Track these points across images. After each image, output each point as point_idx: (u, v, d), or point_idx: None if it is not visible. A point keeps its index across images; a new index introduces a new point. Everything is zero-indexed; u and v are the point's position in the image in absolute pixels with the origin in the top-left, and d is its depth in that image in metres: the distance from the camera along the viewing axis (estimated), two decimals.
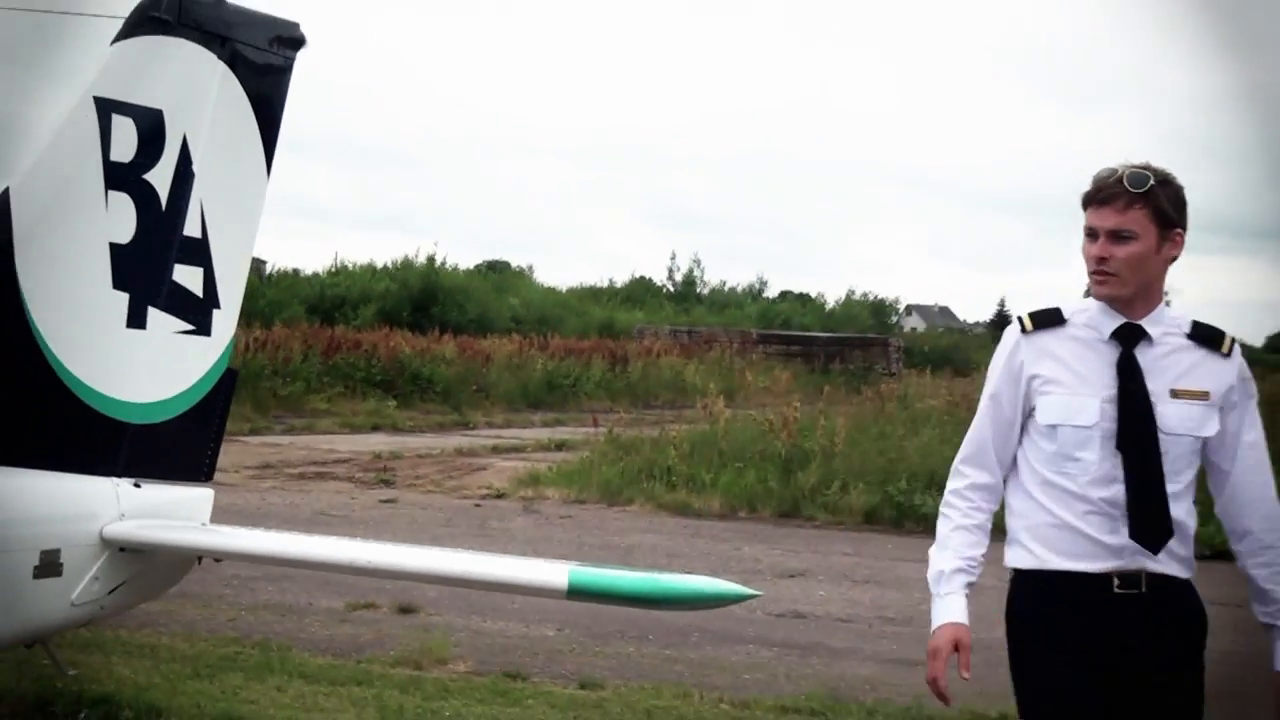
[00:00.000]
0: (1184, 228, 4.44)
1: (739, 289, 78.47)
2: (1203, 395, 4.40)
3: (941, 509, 4.85)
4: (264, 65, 6.06)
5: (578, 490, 20.76)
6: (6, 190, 5.36)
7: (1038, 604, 4.52)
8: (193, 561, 6.01)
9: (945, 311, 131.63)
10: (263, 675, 9.47)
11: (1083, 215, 4.46)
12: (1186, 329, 4.47)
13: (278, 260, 68.34)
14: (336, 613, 11.98)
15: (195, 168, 5.82)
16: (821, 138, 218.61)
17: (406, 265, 52.77)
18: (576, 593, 5.19)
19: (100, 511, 5.53)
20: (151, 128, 5.67)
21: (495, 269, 72.96)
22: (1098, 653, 4.35)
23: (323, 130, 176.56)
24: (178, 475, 5.93)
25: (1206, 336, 4.46)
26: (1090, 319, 4.49)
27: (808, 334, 58.78)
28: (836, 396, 30.34)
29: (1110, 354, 4.42)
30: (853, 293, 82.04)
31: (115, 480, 5.66)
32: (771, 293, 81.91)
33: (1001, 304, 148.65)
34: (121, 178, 5.59)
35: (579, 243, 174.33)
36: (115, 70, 5.63)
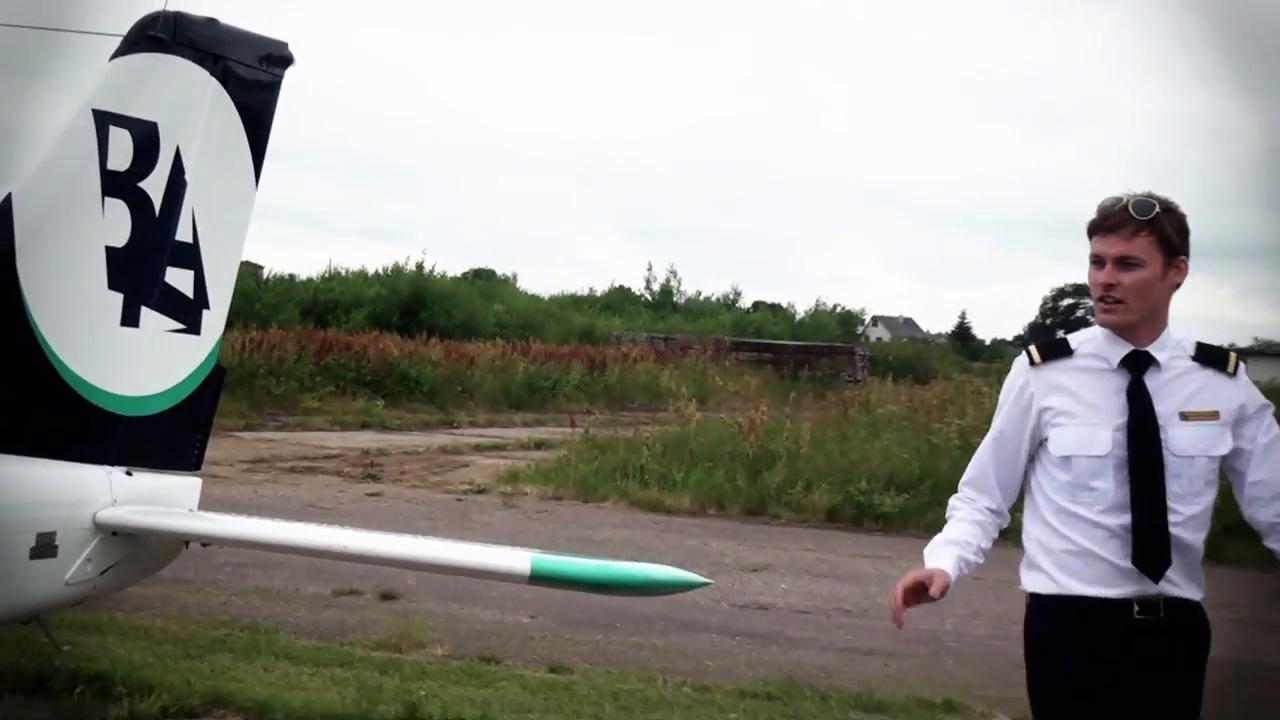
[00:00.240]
0: (1188, 254, 4.35)
1: (714, 299, 78.39)
2: (1213, 415, 4.31)
3: (947, 515, 4.83)
4: (253, 81, 6.08)
5: (555, 487, 20.80)
6: (9, 196, 5.38)
7: (1057, 628, 4.39)
8: (180, 545, 6.04)
9: (909, 323, 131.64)
10: (250, 656, 9.51)
11: (1087, 244, 4.40)
12: (1191, 351, 4.39)
13: (275, 265, 68.33)
14: (322, 598, 12.03)
15: (187, 177, 5.84)
16: (795, 157, 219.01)
17: (397, 272, 52.66)
18: (538, 578, 5.21)
19: (94, 497, 5.56)
20: (147, 139, 5.69)
21: (481, 276, 72.80)
22: (1117, 676, 4.25)
23: (320, 143, 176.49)
24: (168, 464, 5.93)
25: (1212, 357, 4.39)
26: (1098, 348, 4.41)
27: (778, 342, 58.77)
28: (803, 401, 30.40)
29: (1120, 382, 4.34)
30: (822, 304, 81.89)
31: (108, 469, 5.68)
32: (745, 303, 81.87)
33: (962, 316, 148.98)
34: (118, 185, 5.62)
35: (561, 253, 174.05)
36: (113, 84, 5.66)
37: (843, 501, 19.79)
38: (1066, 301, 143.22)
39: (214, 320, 6.16)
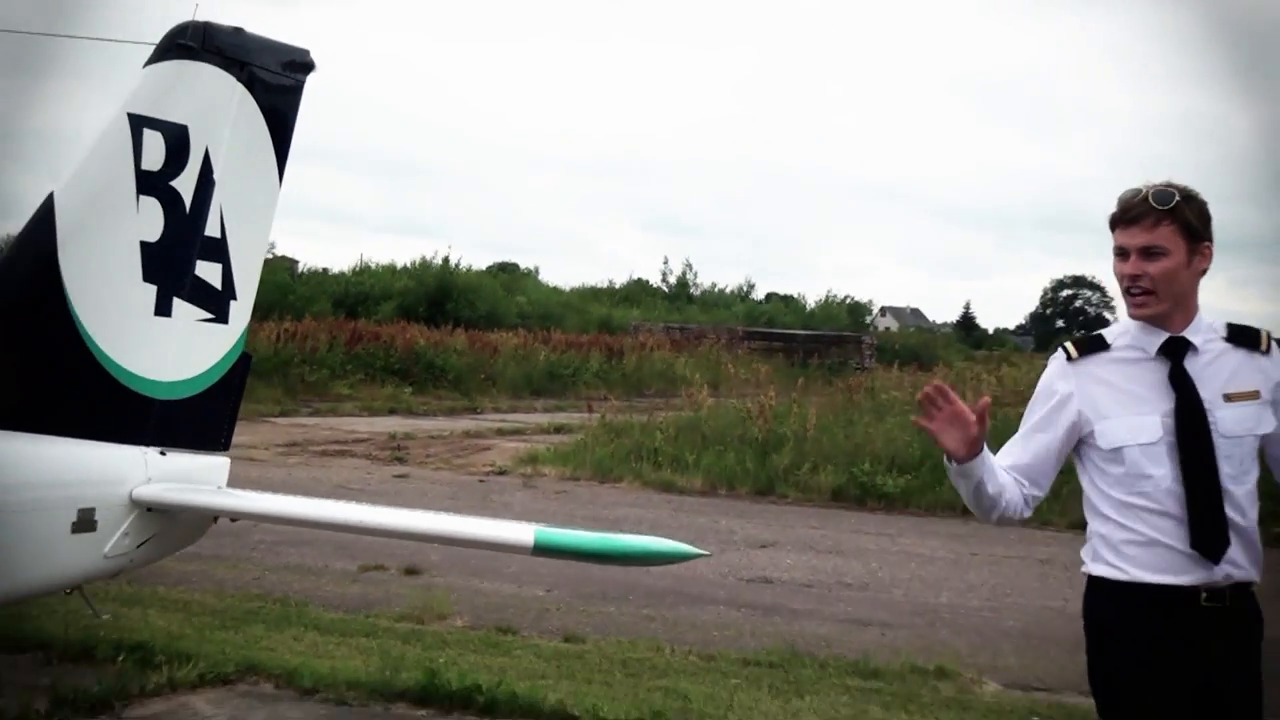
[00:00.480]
0: (1211, 240, 4.20)
1: (728, 290, 78.30)
2: (1254, 395, 4.15)
3: None
4: (277, 86, 6.13)
5: (573, 469, 20.89)
6: (51, 195, 5.44)
7: (1122, 612, 4.18)
8: (210, 520, 6.09)
9: (916, 313, 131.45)
10: (282, 627, 9.63)
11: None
12: (1224, 332, 4.24)
13: (309, 260, 68.44)
14: (349, 574, 12.14)
15: (216, 176, 5.89)
16: (805, 155, 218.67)
17: (424, 266, 52.59)
18: (542, 549, 5.26)
19: (130, 476, 5.63)
20: (178, 141, 5.75)
21: (505, 270, 72.87)
22: (1183, 662, 4.06)
23: (352, 144, 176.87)
24: (198, 445, 5.99)
25: (1245, 337, 4.23)
26: (1133, 340, 4.24)
27: (789, 331, 58.72)
28: (812, 388, 30.41)
29: (1161, 369, 4.17)
30: (832, 295, 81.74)
31: (143, 449, 5.75)
32: (758, 294, 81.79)
33: (967, 306, 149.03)
34: (151, 184, 5.67)
35: (581, 247, 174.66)
36: (146, 90, 5.72)
37: (847, 482, 19.83)
38: (1065, 293, 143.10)
39: (241, 310, 6.21)
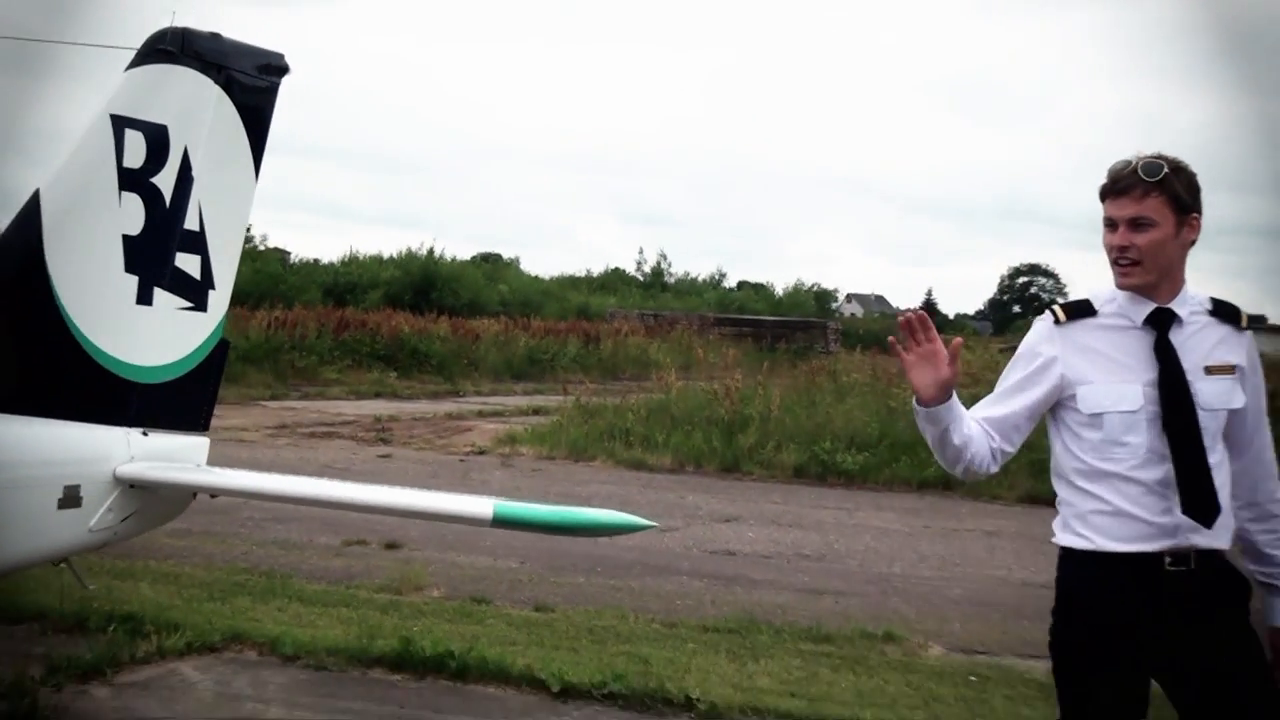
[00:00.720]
0: (1200, 212, 4.06)
1: (700, 279, 78.28)
2: (1230, 370, 4.04)
3: None
4: (253, 88, 6.15)
5: (549, 448, 20.95)
6: (38, 190, 5.46)
7: (1088, 580, 4.05)
8: (190, 497, 6.11)
9: (881, 299, 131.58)
10: (266, 598, 9.68)
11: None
12: (1208, 306, 4.11)
13: (300, 251, 68.29)
14: (332, 548, 12.20)
15: (194, 173, 5.91)
16: (776, 150, 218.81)
17: (410, 256, 52.51)
18: (500, 521, 5.31)
19: (114, 454, 5.66)
20: (158, 140, 5.78)
21: (488, 260, 72.73)
22: (1145, 631, 3.94)
23: (343, 139, 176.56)
24: (179, 426, 6.02)
25: (1226, 312, 4.12)
26: (1120, 307, 4.10)
27: (758, 318, 58.77)
28: (778, 371, 30.53)
29: (1146, 339, 4.03)
30: (800, 283, 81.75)
31: (126, 429, 5.78)
32: (729, 282, 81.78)
33: (929, 293, 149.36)
34: (132, 181, 5.70)
35: (562, 237, 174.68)
36: (128, 92, 5.74)
37: (809, 460, 19.93)
38: (1022, 280, 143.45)
39: (219, 299, 6.23)
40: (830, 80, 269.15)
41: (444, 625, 9.12)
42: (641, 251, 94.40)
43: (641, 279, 74.57)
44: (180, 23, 5.90)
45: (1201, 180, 4.06)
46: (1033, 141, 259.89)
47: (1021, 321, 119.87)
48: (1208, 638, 3.93)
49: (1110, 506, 3.99)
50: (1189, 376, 3.98)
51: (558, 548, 12.54)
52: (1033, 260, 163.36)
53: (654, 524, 5.83)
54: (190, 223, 6.01)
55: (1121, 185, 4.01)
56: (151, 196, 5.81)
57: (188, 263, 6.04)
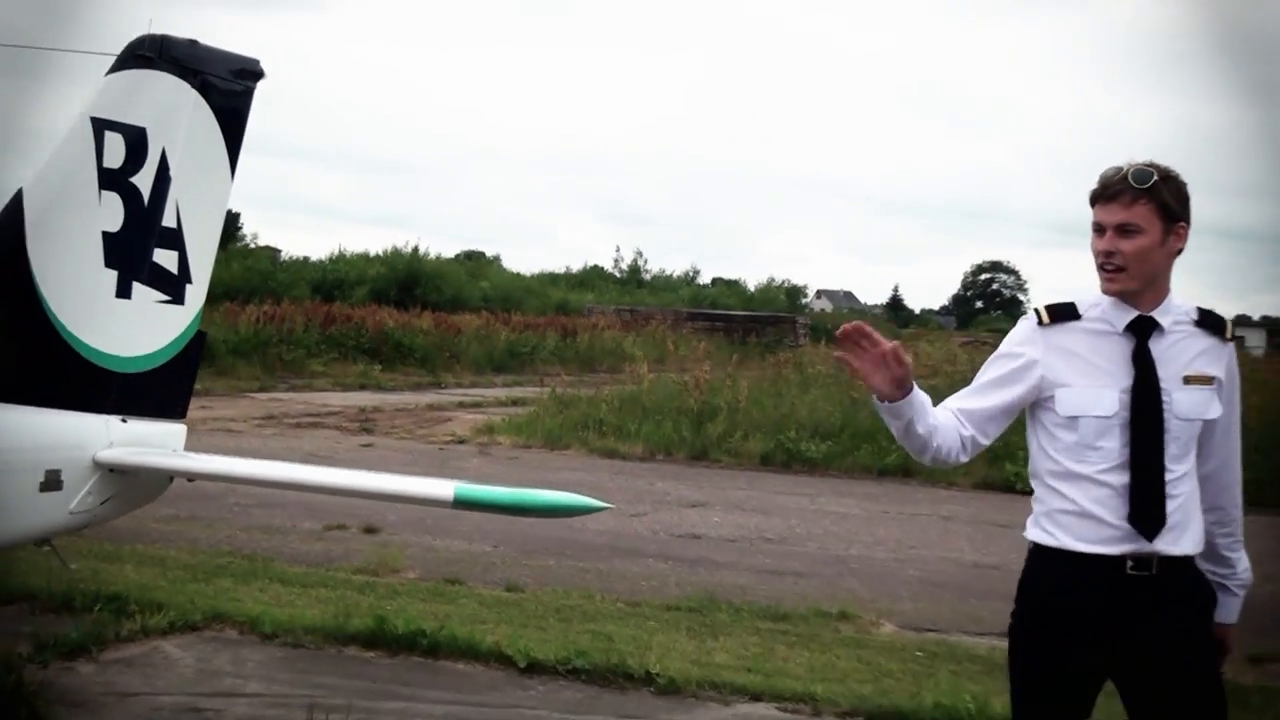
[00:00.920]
0: (1187, 221, 3.93)
1: (675, 275, 78.03)
2: (1210, 380, 3.92)
3: None
4: (228, 92, 6.17)
5: (525, 437, 21.00)
6: (20, 189, 5.51)
7: (1050, 577, 3.97)
8: (166, 480, 6.12)
9: (850, 295, 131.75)
10: (248, 580, 9.72)
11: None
12: (1194, 316, 3.97)
13: (290, 249, 68.18)
14: (314, 533, 12.24)
15: (172, 173, 5.94)
16: (749, 151, 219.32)
17: (395, 254, 52.27)
18: (461, 503, 5.35)
19: (93, 440, 5.69)
20: (137, 142, 5.80)
21: (471, 257, 72.65)
22: (1102, 629, 3.86)
23: (333, 143, 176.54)
24: (156, 413, 6.04)
25: (1211, 323, 3.97)
26: (1104, 313, 3.96)
27: (729, 313, 58.75)
28: (748, 363, 30.65)
29: (1126, 346, 3.91)
30: (772, 279, 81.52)
31: (106, 417, 5.80)
32: (703, 279, 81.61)
33: (895, 289, 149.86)
34: (112, 180, 5.73)
35: (543, 236, 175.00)
36: (108, 96, 5.78)
37: (774, 448, 20.05)
38: (984, 276, 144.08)
39: (196, 293, 6.25)
40: (801, 86, 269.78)
41: (418, 605, 9.15)
42: (619, 249, 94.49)
43: (619, 276, 74.35)
44: (165, 29, 5.94)
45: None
46: (995, 144, 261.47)
47: (984, 316, 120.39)
48: (1165, 644, 3.86)
49: (1077, 507, 3.90)
50: (1166, 385, 3.88)
51: (530, 532, 12.61)
52: (995, 258, 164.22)
53: (609, 505, 5.85)
54: (168, 220, 6.02)
55: (1111, 191, 3.89)
56: (130, 195, 5.83)
57: (166, 258, 6.06)
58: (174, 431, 6.11)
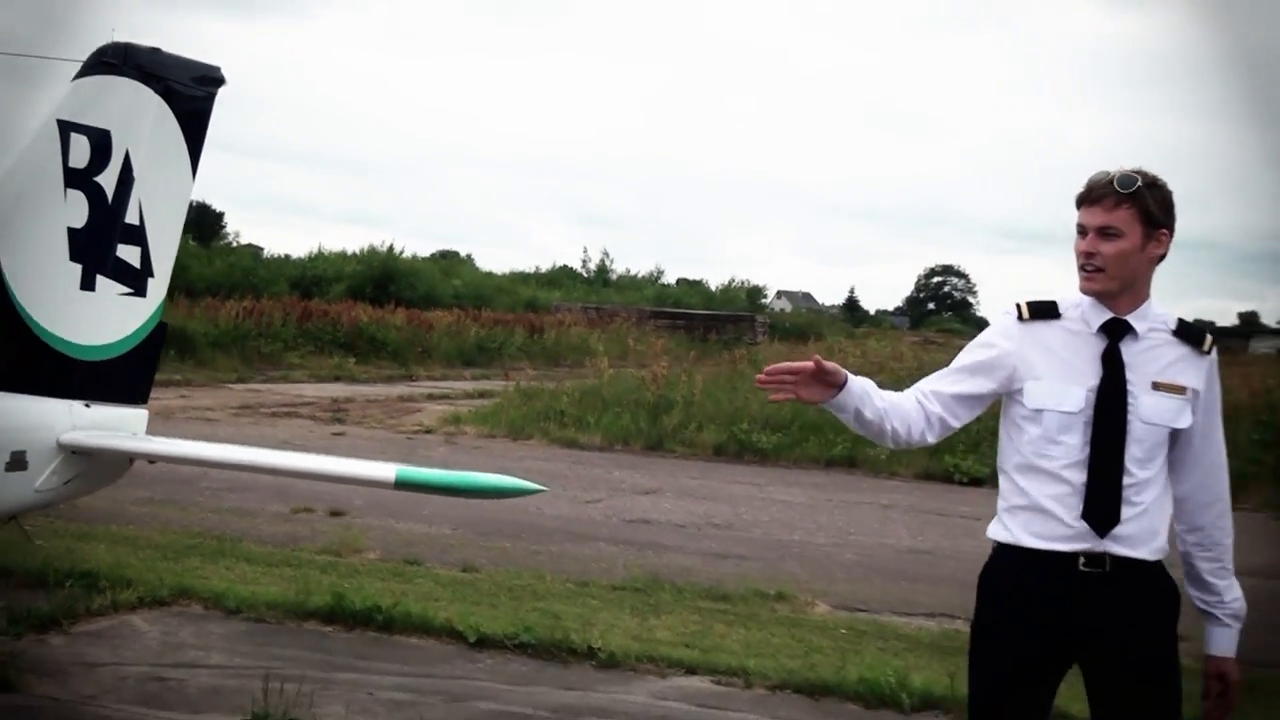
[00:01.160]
0: (1170, 229, 3.85)
1: (640, 275, 77.93)
2: (1180, 390, 3.80)
3: None
4: (190, 97, 6.23)
5: (490, 428, 21.00)
6: None
7: (1007, 576, 3.90)
8: (127, 462, 6.17)
9: (808, 296, 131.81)
10: (216, 559, 9.77)
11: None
12: (1172, 326, 3.87)
13: (271, 247, 67.89)
14: (282, 515, 12.27)
15: (135, 173, 5.99)
16: (712, 157, 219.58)
17: (371, 252, 52.13)
18: (403, 484, 5.40)
19: (58, 424, 5.74)
20: (101, 143, 5.85)
21: (445, 257, 72.47)
22: (1059, 625, 3.78)
23: (312, 144, 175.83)
24: (119, 398, 6.09)
25: (1190, 334, 3.87)
26: (1083, 313, 3.87)
27: (691, 311, 58.67)
28: (707, 360, 30.73)
29: (1098, 346, 3.83)
30: (733, 280, 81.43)
31: (70, 401, 5.85)
32: (668, 279, 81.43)
33: (852, 290, 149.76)
34: (78, 179, 5.78)
35: (515, 237, 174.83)
36: (74, 99, 5.83)
37: (727, 439, 20.11)
38: (936, 279, 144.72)
39: (158, 286, 6.30)
40: (763, 96, 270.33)
41: (376, 584, 9.19)
42: (586, 250, 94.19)
43: (586, 275, 74.17)
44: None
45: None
46: (947, 154, 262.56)
47: (936, 317, 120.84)
48: (1120, 645, 3.77)
49: (1034, 503, 3.83)
50: (1133, 388, 3.79)
51: (489, 516, 12.69)
52: (946, 262, 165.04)
53: (543, 488, 5.91)
54: (131, 217, 6.07)
55: (1096, 194, 3.81)
56: (95, 193, 5.88)
57: (129, 253, 6.11)
58: (136, 416, 6.17)
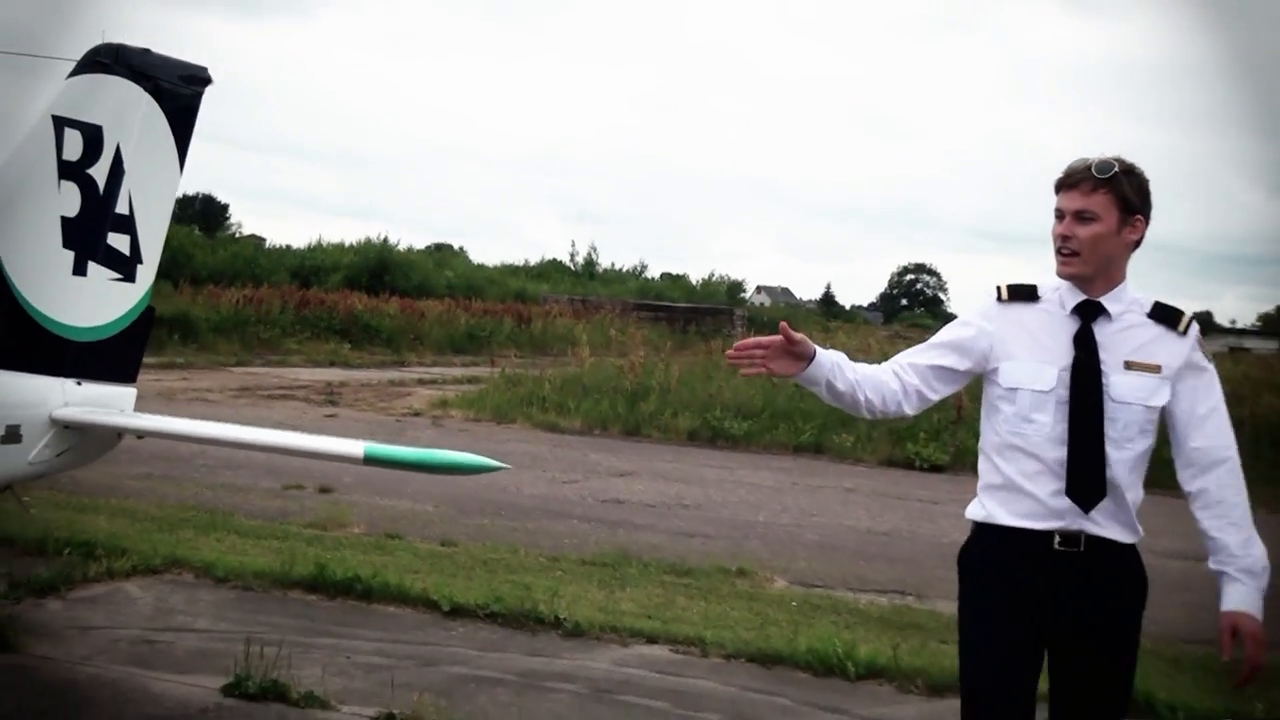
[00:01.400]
0: (1146, 215, 3.79)
1: (625, 269, 77.87)
2: (1155, 369, 3.72)
3: None
4: (178, 95, 6.29)
5: (475, 411, 21.11)
6: None
7: (985, 554, 3.84)
8: (116, 437, 6.24)
9: (787, 291, 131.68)
10: (208, 531, 9.84)
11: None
12: (1148, 308, 3.80)
13: (273, 238, 67.93)
14: (273, 491, 12.35)
15: (125, 166, 6.05)
16: (697, 156, 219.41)
17: (368, 244, 52.27)
18: (371, 460, 5.49)
19: (51, 400, 5.82)
20: (94, 138, 5.92)
21: (439, 249, 72.32)
22: (1035, 603, 3.71)
23: (316, 140, 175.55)
24: (108, 377, 6.16)
25: (1165, 315, 3.79)
26: (1060, 296, 3.81)
27: (672, 304, 58.68)
28: (686, 350, 30.81)
29: (1071, 327, 3.77)
30: (714, 274, 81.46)
31: (62, 379, 5.92)
32: (652, 272, 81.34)
33: (828, 287, 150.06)
34: (71, 171, 5.85)
35: (508, 231, 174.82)
36: (68, 96, 5.90)
37: (701, 425, 20.18)
38: (909, 277, 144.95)
39: (146, 272, 6.36)
40: (748, 98, 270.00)
41: (358, 556, 9.27)
42: (574, 244, 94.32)
43: (574, 268, 74.16)
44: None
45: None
46: (922, 156, 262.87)
47: (909, 313, 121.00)
48: (1085, 627, 3.71)
49: (1010, 481, 3.78)
50: (1105, 368, 3.72)
51: (470, 494, 12.79)
52: (919, 260, 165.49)
53: (506, 466, 5.96)
54: (121, 208, 6.14)
55: (1073, 179, 3.76)
56: (87, 185, 5.95)
57: (119, 241, 6.18)
58: (124, 394, 6.22)
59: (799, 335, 3.77)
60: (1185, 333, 3.77)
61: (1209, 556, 3.74)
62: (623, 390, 21.85)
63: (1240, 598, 3.64)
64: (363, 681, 6.59)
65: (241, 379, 24.25)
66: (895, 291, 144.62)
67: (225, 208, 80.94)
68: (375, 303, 37.25)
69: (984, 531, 3.85)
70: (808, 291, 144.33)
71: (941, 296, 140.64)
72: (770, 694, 7.01)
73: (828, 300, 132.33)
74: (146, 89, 6.11)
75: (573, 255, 76.37)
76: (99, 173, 5.99)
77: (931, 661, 7.51)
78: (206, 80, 6.44)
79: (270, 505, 11.58)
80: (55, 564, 8.20)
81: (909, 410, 3.95)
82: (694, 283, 78.30)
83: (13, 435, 5.54)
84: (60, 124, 5.77)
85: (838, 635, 7.97)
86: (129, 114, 6.07)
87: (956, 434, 18.77)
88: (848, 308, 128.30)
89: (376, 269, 48.07)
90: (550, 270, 71.24)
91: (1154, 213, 3.80)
